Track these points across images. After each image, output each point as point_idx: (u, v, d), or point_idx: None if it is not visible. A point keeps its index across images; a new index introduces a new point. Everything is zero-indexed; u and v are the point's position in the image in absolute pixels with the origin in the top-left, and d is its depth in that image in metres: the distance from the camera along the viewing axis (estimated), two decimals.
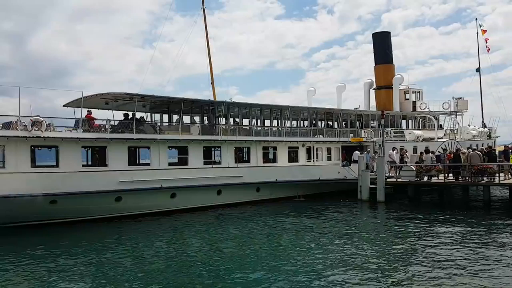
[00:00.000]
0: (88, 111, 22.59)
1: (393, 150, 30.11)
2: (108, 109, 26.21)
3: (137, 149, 24.75)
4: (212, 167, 25.08)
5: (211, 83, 34.76)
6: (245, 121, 30.02)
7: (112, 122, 23.93)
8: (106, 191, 20.60)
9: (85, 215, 20.34)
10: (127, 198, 21.38)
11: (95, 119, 22.81)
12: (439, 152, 30.10)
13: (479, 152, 24.52)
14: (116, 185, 20.90)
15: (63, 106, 24.45)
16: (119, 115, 25.15)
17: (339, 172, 29.38)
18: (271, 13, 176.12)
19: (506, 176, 23.96)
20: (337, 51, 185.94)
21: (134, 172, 21.91)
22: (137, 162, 24.61)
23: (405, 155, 29.14)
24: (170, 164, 23.97)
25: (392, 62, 41.93)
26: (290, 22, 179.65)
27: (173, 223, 20.71)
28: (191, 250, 15.26)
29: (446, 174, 25.14)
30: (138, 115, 25.06)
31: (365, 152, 29.38)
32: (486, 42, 47.39)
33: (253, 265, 12.75)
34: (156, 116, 28.93)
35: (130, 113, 23.89)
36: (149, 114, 28.59)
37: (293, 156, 28.93)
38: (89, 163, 23.19)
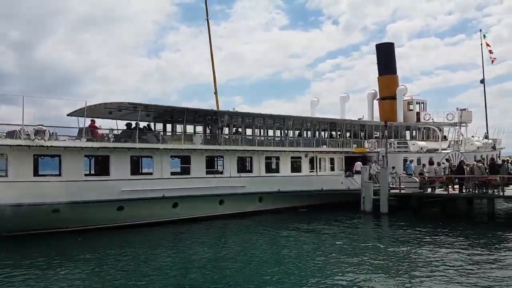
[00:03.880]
0: (91, 120, 22.65)
1: (433, 164, 26.51)
2: (112, 119, 26.39)
3: (140, 158, 24.83)
4: (215, 177, 25.06)
5: (214, 93, 35.11)
6: (248, 131, 30.08)
7: (115, 132, 24.05)
8: (108, 200, 20.61)
9: (87, 224, 20.32)
10: (129, 208, 21.37)
11: (98, 128, 22.89)
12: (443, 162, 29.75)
13: (480, 164, 24.28)
14: (118, 195, 20.92)
15: (67, 115, 24.59)
16: (122, 125, 25.30)
17: (342, 183, 29.26)
18: (276, 23, 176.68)
19: None
20: (342, 62, 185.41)
21: (136, 182, 21.92)
22: (140, 172, 24.67)
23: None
24: (172, 173, 23.99)
25: (396, 73, 41.95)
26: (295, 33, 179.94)
27: (175, 233, 20.63)
28: (193, 263, 15.13)
29: (450, 186, 24.96)
30: (142, 124, 25.14)
31: (372, 163, 29.24)
32: (490, 53, 47.36)
33: (256, 279, 12.59)
34: (160, 126, 28.98)
35: (134, 123, 23.97)
36: (152, 123, 28.70)
37: (296, 166, 28.85)
38: (92, 172, 23.23)
